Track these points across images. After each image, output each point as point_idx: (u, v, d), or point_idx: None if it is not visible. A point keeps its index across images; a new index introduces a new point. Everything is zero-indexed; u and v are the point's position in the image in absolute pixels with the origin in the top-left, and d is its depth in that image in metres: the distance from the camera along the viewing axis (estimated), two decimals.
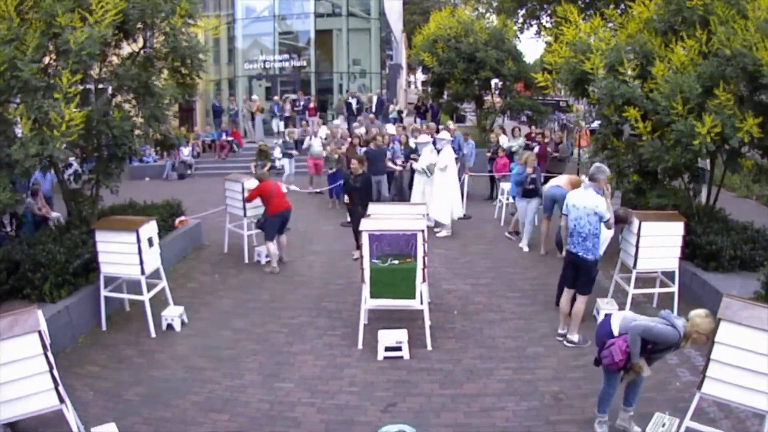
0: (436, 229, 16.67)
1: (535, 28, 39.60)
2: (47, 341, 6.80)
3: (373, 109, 30.78)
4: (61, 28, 10.92)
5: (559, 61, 14.13)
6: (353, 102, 31.20)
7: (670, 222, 10.87)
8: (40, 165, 11.28)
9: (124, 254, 10.91)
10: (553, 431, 7.98)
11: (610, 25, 15.11)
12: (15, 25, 10.71)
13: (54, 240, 12.20)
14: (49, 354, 6.78)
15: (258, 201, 14.24)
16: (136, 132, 12.92)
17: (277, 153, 26.63)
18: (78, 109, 10.61)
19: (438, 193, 16.54)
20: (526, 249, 15.43)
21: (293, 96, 35.98)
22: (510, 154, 20.78)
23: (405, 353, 9.91)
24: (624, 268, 11.36)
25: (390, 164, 19.89)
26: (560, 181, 14.73)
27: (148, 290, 11.04)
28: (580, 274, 10.11)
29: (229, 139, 32.90)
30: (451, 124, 24.06)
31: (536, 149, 20.03)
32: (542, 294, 12.39)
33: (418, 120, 32.10)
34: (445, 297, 12.45)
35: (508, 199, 18.23)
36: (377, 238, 10.26)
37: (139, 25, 12.79)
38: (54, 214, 15.50)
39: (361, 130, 23.63)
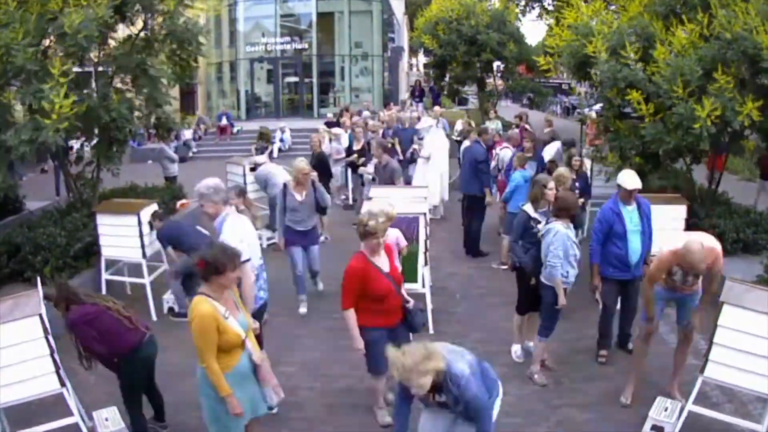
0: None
1: (536, 10, 39.42)
2: (47, 325, 6.80)
3: None
4: (57, 12, 10.88)
5: (561, 44, 14.07)
6: None
7: (673, 205, 10.85)
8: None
9: (125, 237, 10.92)
10: (556, 415, 7.98)
11: (611, 8, 15.05)
12: (11, 9, 10.67)
13: (55, 223, 12.23)
14: (50, 338, 6.77)
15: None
16: (136, 114, 12.89)
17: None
18: (71, 95, 10.55)
19: (429, 175, 16.45)
20: None
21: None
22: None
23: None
24: None
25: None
26: None
27: (150, 273, 11.04)
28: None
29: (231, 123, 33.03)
30: (437, 109, 23.76)
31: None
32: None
33: (414, 103, 32.02)
34: (448, 281, 12.44)
35: None
36: None
37: (137, 8, 12.74)
38: None
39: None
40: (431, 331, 10.06)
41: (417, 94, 33.96)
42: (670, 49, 11.67)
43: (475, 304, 11.40)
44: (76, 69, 11.56)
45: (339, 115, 25.52)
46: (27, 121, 10.38)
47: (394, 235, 9.28)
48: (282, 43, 38.66)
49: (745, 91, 11.06)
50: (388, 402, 7.92)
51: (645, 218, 8.93)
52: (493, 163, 15.00)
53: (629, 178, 8.77)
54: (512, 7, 30.45)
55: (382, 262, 7.33)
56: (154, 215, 10.85)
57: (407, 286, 10.14)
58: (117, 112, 12.00)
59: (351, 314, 7.22)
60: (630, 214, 8.83)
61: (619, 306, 9.33)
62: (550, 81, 42.43)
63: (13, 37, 10.29)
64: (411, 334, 7.53)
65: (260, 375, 6.39)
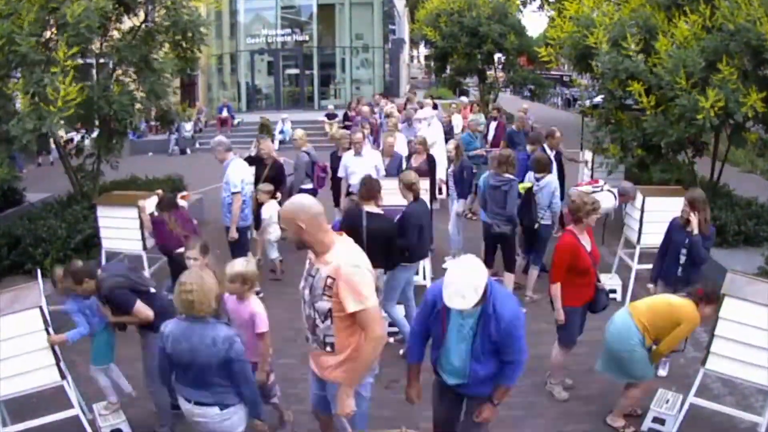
0: None
1: (538, 2, 39.38)
2: (48, 317, 6.78)
3: None
4: (59, 2, 10.85)
5: (562, 36, 14.03)
6: None
7: (674, 197, 10.83)
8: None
9: (125, 229, 10.91)
10: (558, 407, 7.99)
11: None
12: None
13: (55, 215, 12.22)
14: (51, 330, 6.75)
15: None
16: (137, 106, 12.86)
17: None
18: (75, 84, 10.55)
19: None
20: None
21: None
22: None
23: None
24: (628, 244, 11.32)
25: None
26: None
27: (150, 265, 11.03)
28: None
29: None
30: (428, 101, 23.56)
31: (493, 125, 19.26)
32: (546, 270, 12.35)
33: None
34: None
35: None
36: None
37: None
38: None
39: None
40: None
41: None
42: (673, 40, 11.64)
43: None
44: (77, 60, 11.53)
45: (349, 107, 25.30)
46: (30, 110, 10.35)
47: None
48: (283, 35, 38.69)
49: (748, 82, 11.02)
50: (565, 386, 8.29)
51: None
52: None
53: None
54: None
55: (585, 240, 7.93)
56: (160, 206, 10.68)
57: None
58: (118, 104, 11.97)
59: (558, 287, 7.83)
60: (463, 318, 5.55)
61: None
62: (551, 73, 42.34)
63: (15, 28, 10.26)
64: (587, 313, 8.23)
65: None
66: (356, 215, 8.65)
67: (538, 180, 11.00)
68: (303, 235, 5.21)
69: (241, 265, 6.71)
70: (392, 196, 10.23)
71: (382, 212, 8.83)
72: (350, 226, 8.19)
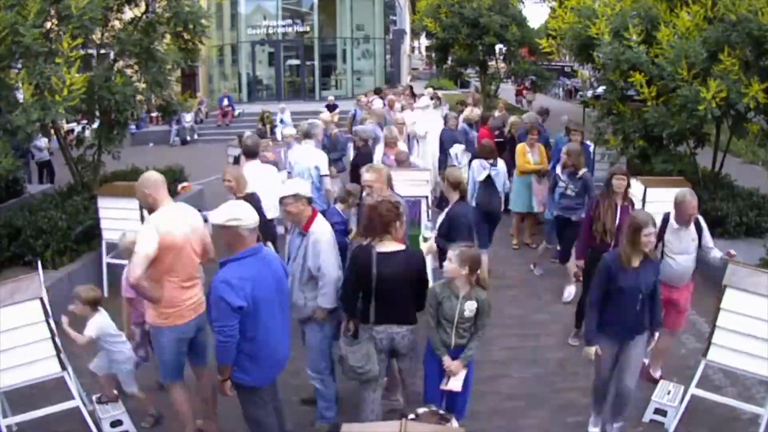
0: None
1: None
2: (48, 308, 6.77)
3: None
4: None
5: (563, 27, 14.01)
6: None
7: (676, 188, 10.80)
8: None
9: (126, 220, 10.86)
10: (558, 398, 7.97)
11: None
12: None
13: (56, 206, 12.18)
14: (51, 321, 6.75)
15: None
16: (138, 97, 12.84)
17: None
18: (79, 74, 10.55)
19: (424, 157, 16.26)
20: None
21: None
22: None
23: None
24: None
25: None
26: None
27: None
28: None
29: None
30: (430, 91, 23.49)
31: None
32: (546, 261, 12.32)
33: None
34: None
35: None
36: None
37: None
38: None
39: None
40: None
41: None
42: (675, 31, 11.62)
43: None
44: (80, 50, 11.50)
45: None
46: (35, 101, 10.33)
47: None
48: (283, 26, 38.71)
49: (749, 73, 10.99)
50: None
51: None
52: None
53: None
54: None
55: None
56: None
57: None
58: (121, 95, 11.95)
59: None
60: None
61: None
62: (553, 64, 42.29)
63: (19, 18, 10.23)
64: None
65: None
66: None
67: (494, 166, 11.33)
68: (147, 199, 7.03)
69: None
70: (411, 187, 10.29)
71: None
72: None
